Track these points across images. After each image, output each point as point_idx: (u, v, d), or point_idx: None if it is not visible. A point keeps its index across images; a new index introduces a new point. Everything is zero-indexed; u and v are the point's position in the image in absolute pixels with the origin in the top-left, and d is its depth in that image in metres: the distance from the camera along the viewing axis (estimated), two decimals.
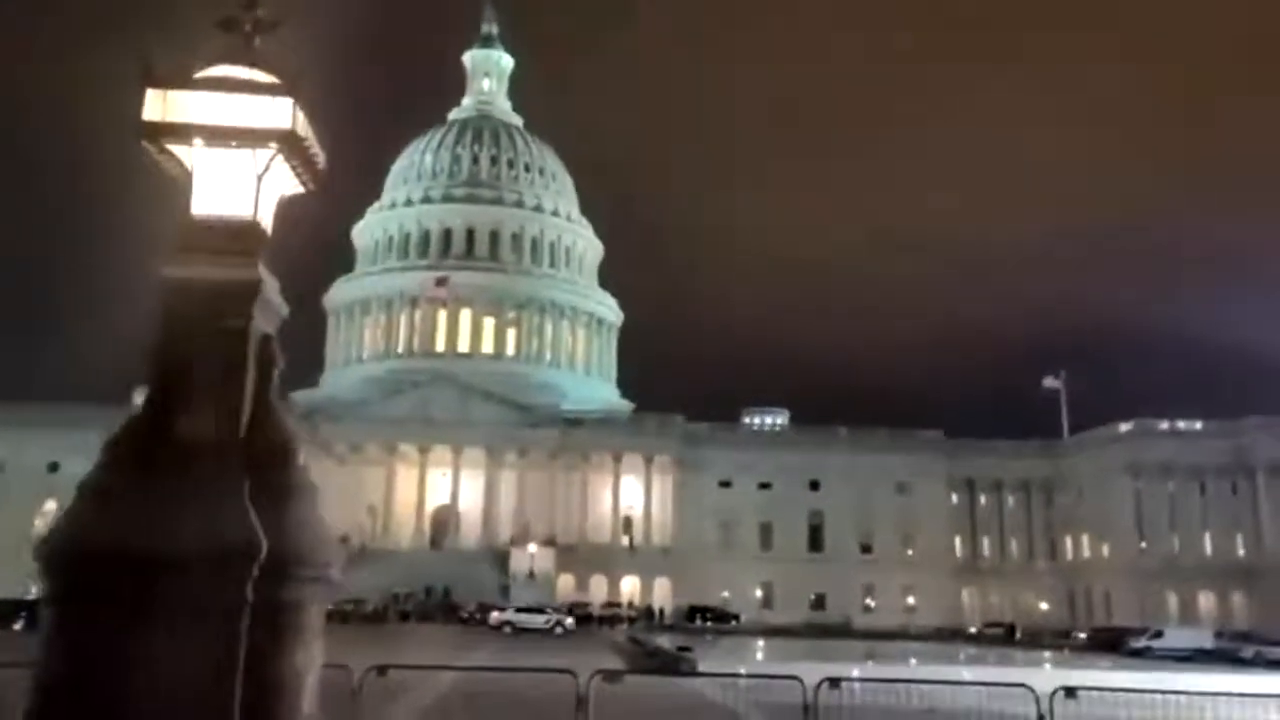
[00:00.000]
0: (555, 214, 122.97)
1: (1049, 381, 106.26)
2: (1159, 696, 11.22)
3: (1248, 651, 54.17)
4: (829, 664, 30.14)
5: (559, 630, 60.16)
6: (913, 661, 34.77)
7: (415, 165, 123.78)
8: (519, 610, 67.25)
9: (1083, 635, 73.90)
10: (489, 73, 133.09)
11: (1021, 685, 10.87)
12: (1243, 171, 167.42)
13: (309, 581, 6.55)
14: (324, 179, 7.75)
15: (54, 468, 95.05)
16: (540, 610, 67.81)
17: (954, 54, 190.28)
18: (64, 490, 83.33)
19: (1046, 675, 29.95)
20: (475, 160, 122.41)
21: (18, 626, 56.29)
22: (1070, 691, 10.74)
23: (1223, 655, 53.27)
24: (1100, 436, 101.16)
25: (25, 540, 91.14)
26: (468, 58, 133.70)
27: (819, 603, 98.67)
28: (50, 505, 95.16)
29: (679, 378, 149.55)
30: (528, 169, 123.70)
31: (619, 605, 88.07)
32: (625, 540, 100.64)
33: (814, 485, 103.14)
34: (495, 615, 66.07)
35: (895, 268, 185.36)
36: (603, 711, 10.72)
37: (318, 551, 6.64)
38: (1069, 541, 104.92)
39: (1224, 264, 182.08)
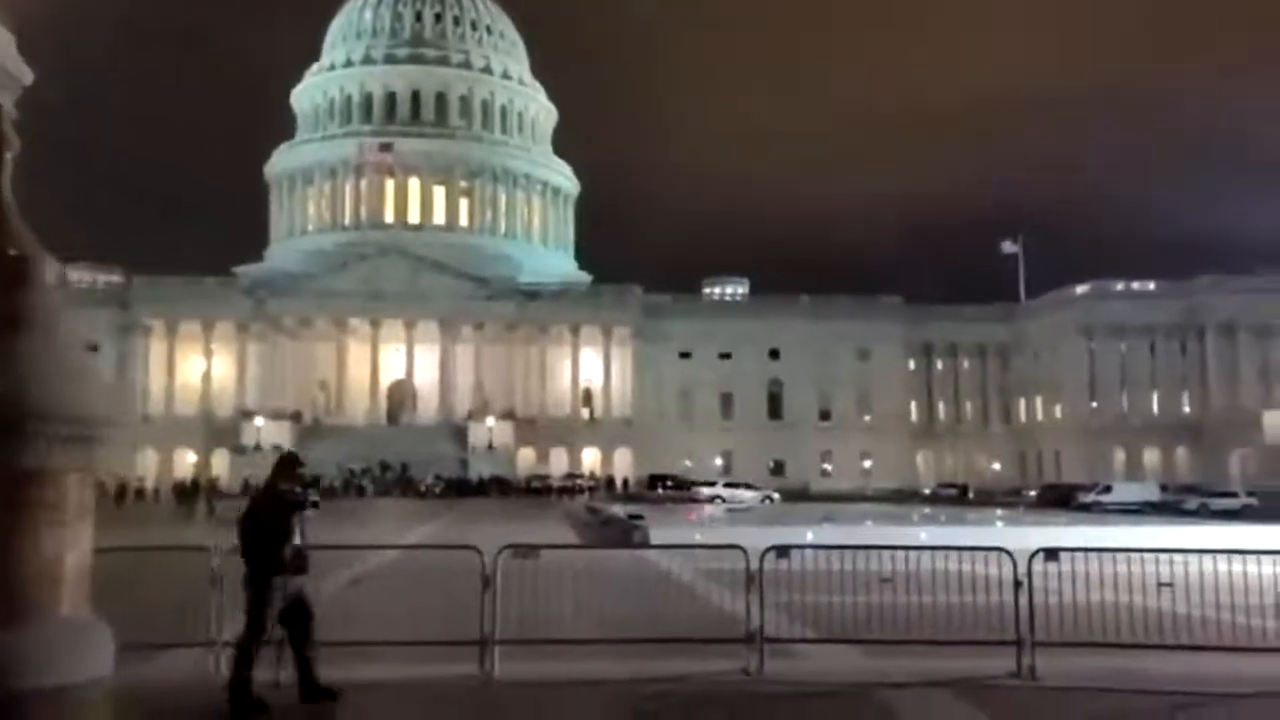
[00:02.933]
0: (506, 76, 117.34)
1: (1007, 246, 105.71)
2: (1133, 554, 10.05)
3: (1192, 503, 55.39)
4: (783, 528, 29.51)
5: (766, 504, 59.04)
6: (869, 523, 34.35)
7: (354, 22, 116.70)
8: (727, 485, 66.31)
9: (1033, 493, 75.30)
10: None
11: (999, 549, 9.59)
12: (1206, 46, 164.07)
13: (62, 443, 4.79)
14: None
15: None
16: (749, 486, 66.92)
17: None
18: None
19: (1000, 532, 29.59)
20: (418, 17, 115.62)
21: None
22: (1051, 554, 9.52)
23: (1168, 508, 54.36)
24: (1056, 299, 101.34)
25: None
26: None
27: (778, 469, 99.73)
28: None
29: (638, 249, 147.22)
30: (474, 27, 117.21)
31: (580, 476, 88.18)
32: (585, 412, 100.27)
33: (774, 354, 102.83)
34: (705, 491, 64.25)
35: (856, 137, 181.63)
36: (542, 581, 9.45)
37: (75, 403, 4.85)
38: (1023, 404, 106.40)
39: (1183, 134, 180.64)
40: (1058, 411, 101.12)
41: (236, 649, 7.99)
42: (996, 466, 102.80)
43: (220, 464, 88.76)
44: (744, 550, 9.43)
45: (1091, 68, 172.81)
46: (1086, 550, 10.24)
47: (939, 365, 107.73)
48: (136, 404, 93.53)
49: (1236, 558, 10.81)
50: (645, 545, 21.78)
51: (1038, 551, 9.64)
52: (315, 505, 8.71)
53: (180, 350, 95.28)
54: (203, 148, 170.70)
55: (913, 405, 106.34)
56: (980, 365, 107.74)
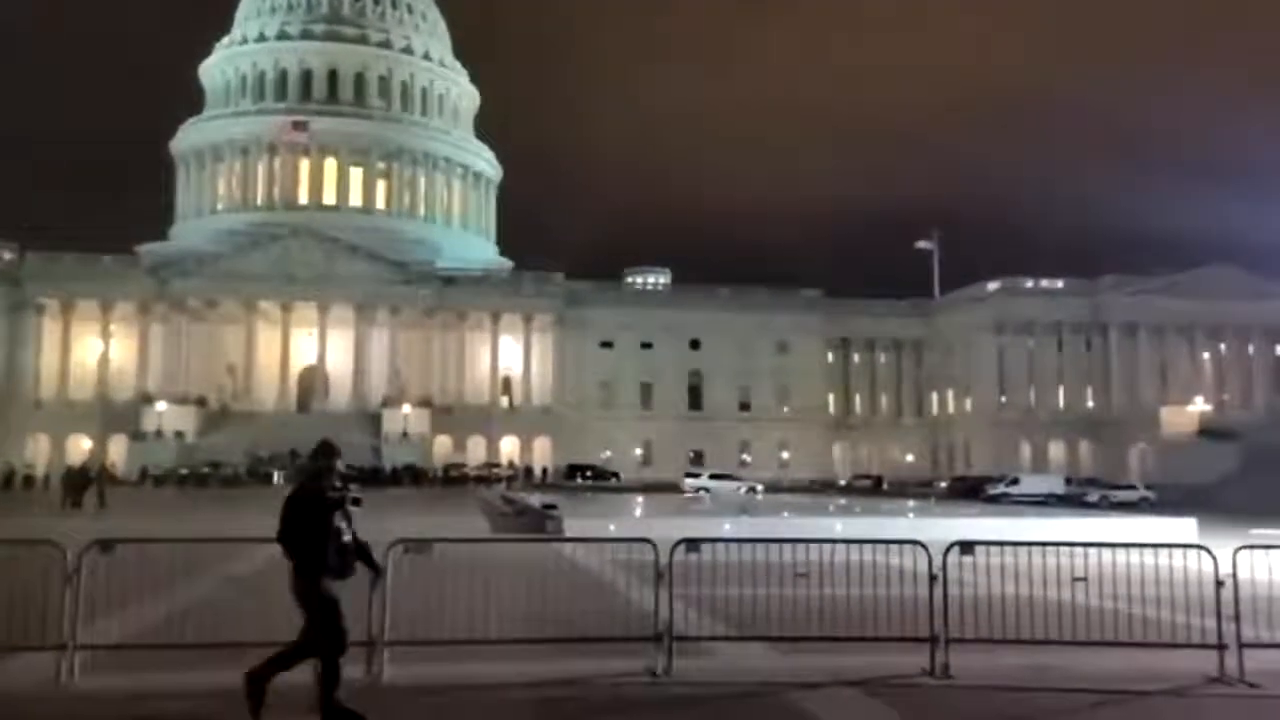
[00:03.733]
0: (427, 57, 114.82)
1: (922, 243, 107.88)
2: (1048, 548, 9.90)
3: (1094, 496, 57.34)
4: (699, 519, 29.25)
5: (750, 494, 56.39)
6: (785, 514, 34.33)
7: None
8: (713, 477, 64.23)
9: (944, 484, 77.05)
10: None
11: (913, 542, 9.30)
12: (1115, 45, 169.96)
13: None
14: None
15: None
16: (732, 478, 64.72)
17: None
18: None
19: (919, 525, 29.83)
20: None
21: None
22: (966, 547, 9.26)
23: (1072, 500, 56.14)
24: (968, 296, 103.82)
25: None
26: None
27: (698, 459, 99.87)
28: None
29: (561, 236, 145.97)
30: (395, 6, 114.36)
31: (498, 466, 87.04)
32: (504, 401, 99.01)
33: (694, 344, 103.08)
34: (689, 482, 62.26)
35: (782, 129, 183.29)
36: (440, 577, 8.78)
37: None
38: (935, 397, 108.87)
39: (1092, 135, 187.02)
40: (968, 405, 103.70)
41: (321, 668, 7.24)
42: (910, 458, 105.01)
43: (118, 451, 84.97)
44: (653, 544, 8.94)
45: (1012, 68, 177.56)
46: (1000, 544, 10.04)
47: (856, 358, 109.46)
48: (27, 387, 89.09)
49: (1138, 551, 10.85)
50: (547, 538, 21.17)
51: (953, 545, 9.41)
52: (357, 503, 7.96)
53: (76, 331, 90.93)
54: (107, 121, 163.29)
55: (830, 397, 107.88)
56: (896, 359, 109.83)
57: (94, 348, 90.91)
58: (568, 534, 25.81)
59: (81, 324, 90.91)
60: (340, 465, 7.66)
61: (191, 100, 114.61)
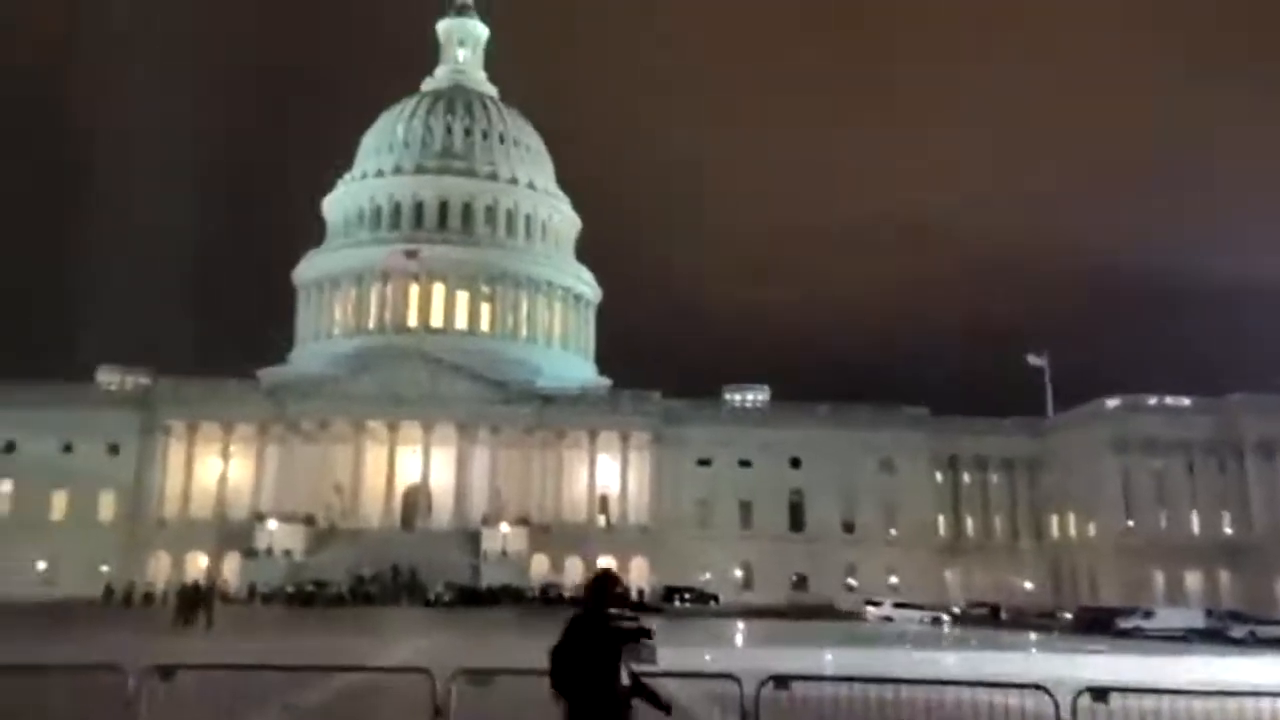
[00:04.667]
0: (530, 186, 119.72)
1: (1033, 359, 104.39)
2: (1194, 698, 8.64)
3: (1239, 631, 52.51)
4: (799, 650, 27.71)
5: (944, 628, 53.18)
6: (900, 646, 32.37)
7: (387, 136, 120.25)
8: (897, 605, 62.68)
9: (1068, 615, 72.10)
10: (463, 41, 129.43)
11: (1036, 687, 8.25)
12: (1239, 150, 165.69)
13: None
14: None
15: (9, 447, 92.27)
16: (918, 606, 62.88)
17: (936, 47, 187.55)
18: (21, 470, 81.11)
19: (1043, 663, 27.57)
20: (448, 131, 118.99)
21: None
22: (1099, 694, 8.16)
23: (1215, 635, 51.58)
24: (1085, 413, 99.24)
25: None
26: (441, 26, 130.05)
27: (801, 583, 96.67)
28: (6, 486, 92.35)
29: (658, 355, 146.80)
30: (502, 140, 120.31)
31: None
32: (601, 520, 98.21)
33: (795, 463, 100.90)
34: (871, 610, 60.82)
35: (877, 245, 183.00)
36: (513, 709, 8.12)
37: None
38: (1054, 520, 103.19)
39: (1213, 243, 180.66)
40: (1091, 529, 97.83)
41: None
42: (1029, 585, 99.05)
43: (231, 568, 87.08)
44: (738, 680, 8.15)
45: (1119, 177, 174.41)
46: (1140, 690, 8.84)
47: (966, 478, 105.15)
48: (153, 506, 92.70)
49: None
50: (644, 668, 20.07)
51: (1083, 691, 8.31)
52: (649, 635, 7.19)
53: (199, 452, 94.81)
54: (236, 253, 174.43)
55: (940, 519, 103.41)
56: (1009, 479, 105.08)
57: (214, 468, 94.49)
58: (661, 663, 24.72)
59: (204, 445, 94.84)
60: (627, 593, 6.97)
61: (316, 232, 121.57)
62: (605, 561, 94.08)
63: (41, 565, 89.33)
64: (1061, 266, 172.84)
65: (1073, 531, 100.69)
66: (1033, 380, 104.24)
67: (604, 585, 6.77)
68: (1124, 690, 8.60)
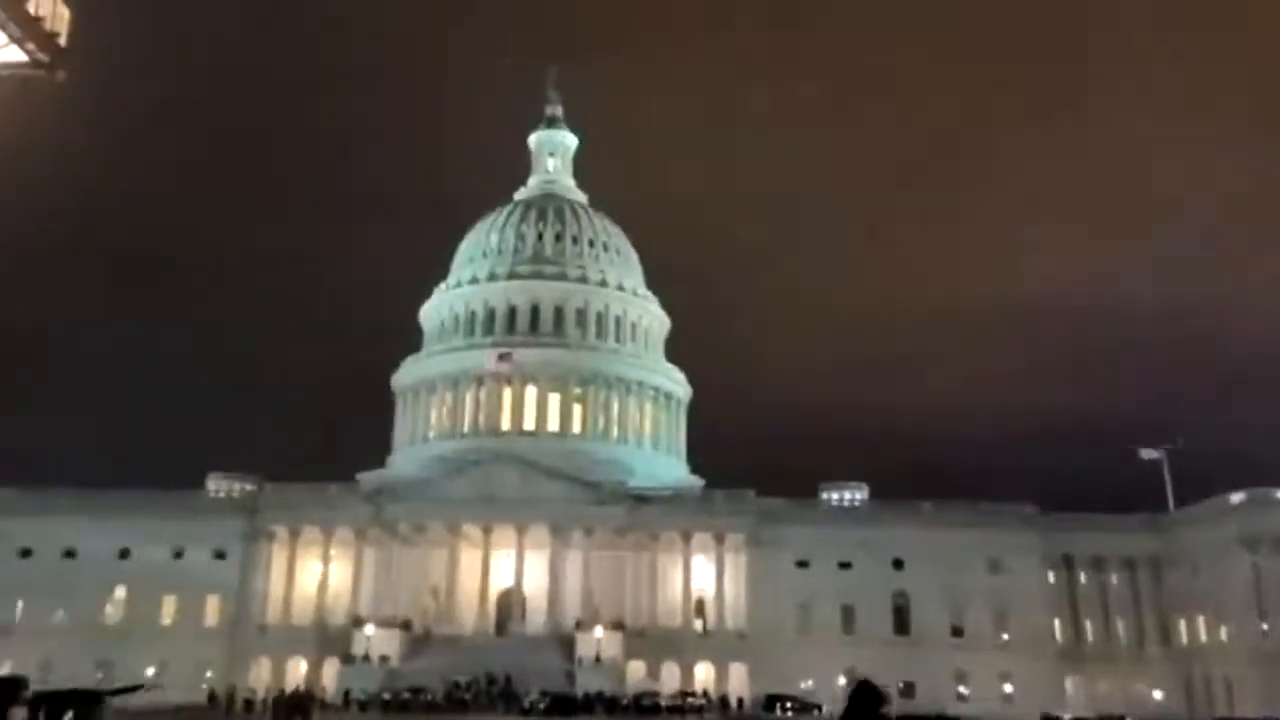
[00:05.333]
0: (620, 288, 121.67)
1: (1147, 452, 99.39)
2: None
3: None
4: None
5: None
6: None
7: (481, 244, 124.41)
8: None
9: None
10: (553, 152, 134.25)
11: None
12: None
13: None
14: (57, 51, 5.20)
15: (124, 554, 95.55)
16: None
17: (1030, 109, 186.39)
18: (134, 577, 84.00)
19: None
20: (540, 237, 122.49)
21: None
22: None
23: None
24: (1210, 508, 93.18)
25: (93, 628, 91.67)
26: (533, 139, 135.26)
27: (908, 690, 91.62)
28: (120, 592, 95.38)
29: (752, 453, 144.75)
30: (592, 244, 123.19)
31: (692, 694, 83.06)
32: (698, 624, 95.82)
33: (898, 564, 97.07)
34: None
35: (971, 338, 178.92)
36: None
37: None
38: (1182, 624, 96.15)
39: None
40: (1223, 633, 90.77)
41: None
42: (1158, 695, 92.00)
43: (330, 674, 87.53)
44: None
45: (1225, 259, 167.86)
46: None
47: (1082, 579, 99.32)
48: (255, 612, 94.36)
49: None
50: None
51: None
52: None
53: (300, 556, 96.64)
54: (339, 363, 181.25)
55: (1055, 622, 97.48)
56: (1130, 580, 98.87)
57: (315, 572, 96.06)
58: None
59: (305, 549, 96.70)
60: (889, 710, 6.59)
61: (414, 340, 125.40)
62: (703, 668, 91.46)
63: (150, 670, 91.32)
64: (1181, 355, 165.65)
65: (1204, 636, 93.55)
66: (1148, 475, 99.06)
67: (864, 699, 6.26)
68: None
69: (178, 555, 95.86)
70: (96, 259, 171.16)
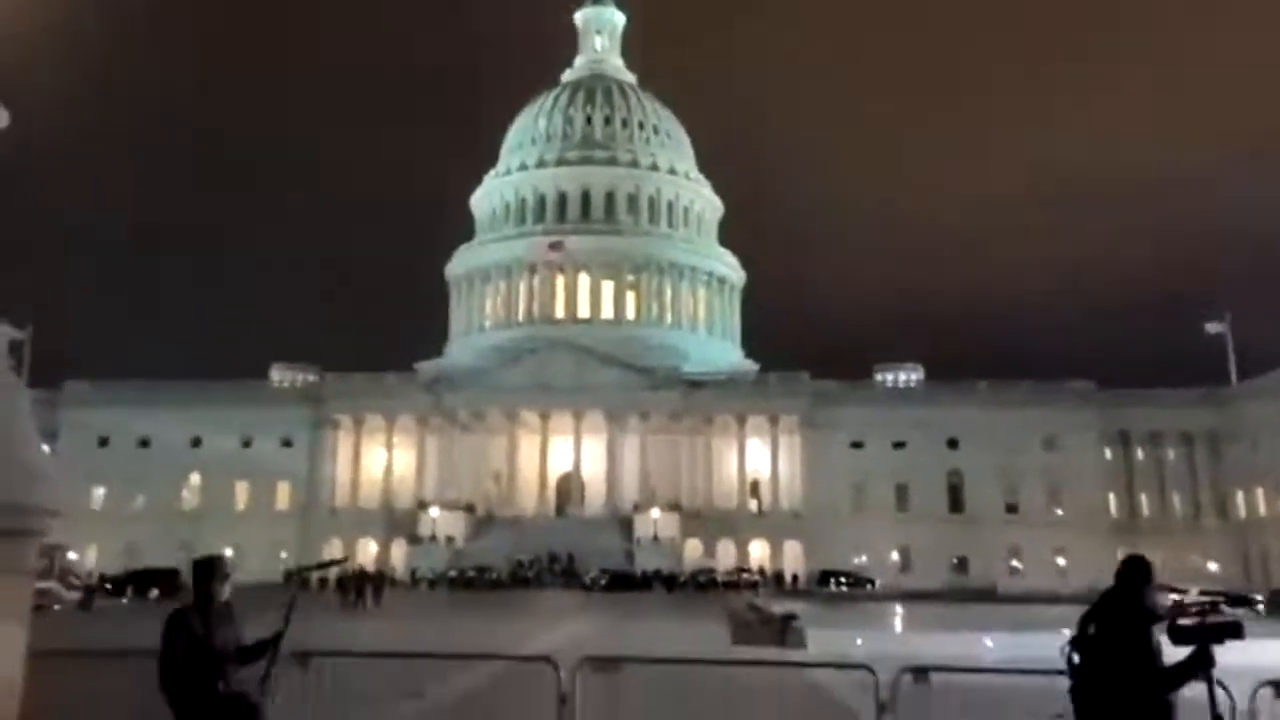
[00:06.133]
0: (672, 172, 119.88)
1: (1212, 326, 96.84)
2: None
3: None
4: (954, 636, 26.63)
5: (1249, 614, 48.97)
6: (1065, 632, 30.65)
7: (529, 130, 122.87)
8: (1204, 594, 54.90)
9: (1259, 597, 66.63)
10: (600, 31, 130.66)
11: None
12: None
13: None
14: None
15: (196, 443, 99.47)
16: (1223, 594, 54.78)
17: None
18: (207, 464, 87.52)
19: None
20: (589, 121, 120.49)
21: (154, 595, 58.18)
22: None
23: None
24: (1274, 381, 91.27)
25: (171, 513, 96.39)
26: (579, 16, 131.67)
27: (961, 566, 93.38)
28: (195, 479, 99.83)
29: (806, 336, 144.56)
30: (642, 127, 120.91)
31: (747, 570, 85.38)
32: (753, 504, 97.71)
33: (952, 443, 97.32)
34: (1173, 597, 53.62)
35: (1030, 210, 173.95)
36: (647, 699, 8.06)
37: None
38: (1240, 496, 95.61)
39: None
40: None
41: None
42: (1213, 567, 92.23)
43: (398, 554, 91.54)
44: (873, 672, 7.80)
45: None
46: None
47: (1139, 454, 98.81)
48: (325, 496, 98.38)
49: None
50: (749, 661, 19.62)
51: (1265, 684, 7.52)
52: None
53: (365, 443, 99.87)
54: (394, 251, 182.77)
55: (1110, 498, 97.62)
56: (1187, 454, 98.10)
57: (379, 458, 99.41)
58: (810, 647, 24.32)
59: (369, 436, 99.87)
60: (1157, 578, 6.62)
61: (468, 228, 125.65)
62: (758, 546, 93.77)
63: (229, 552, 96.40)
64: (1233, 227, 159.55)
65: (1262, 509, 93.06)
66: (1209, 350, 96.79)
67: (1135, 570, 6.55)
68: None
69: (246, 444, 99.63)
70: (169, 151, 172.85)
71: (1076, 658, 6.21)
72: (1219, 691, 7.47)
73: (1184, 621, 6.01)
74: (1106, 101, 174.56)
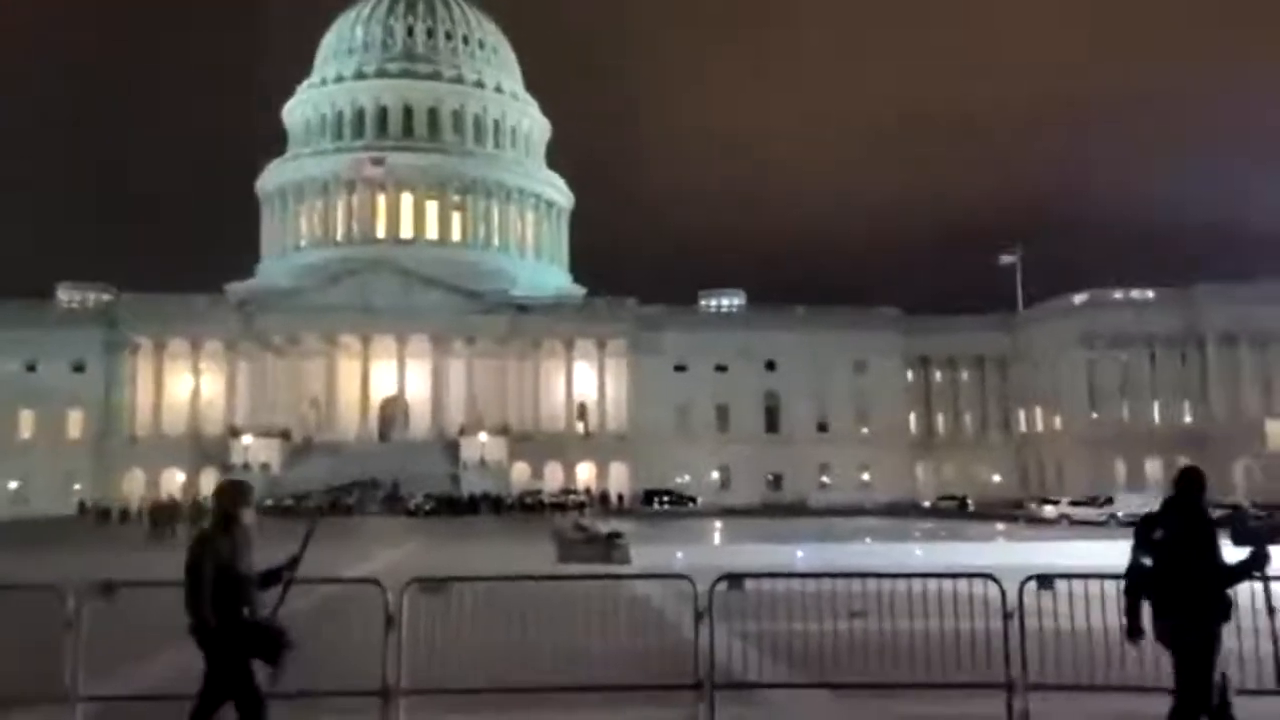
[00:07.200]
0: (498, 90, 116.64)
1: (1005, 257, 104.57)
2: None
3: None
4: (766, 547, 28.28)
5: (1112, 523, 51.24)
6: (867, 540, 33.21)
7: (346, 39, 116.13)
8: (1072, 504, 58.73)
9: (1033, 506, 74.00)
10: None
11: (987, 576, 8.41)
12: (1209, 40, 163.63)
13: None
14: None
15: None
16: (1091, 502, 58.44)
17: None
18: None
19: (1000, 549, 28.28)
20: (410, 32, 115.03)
21: None
22: (1045, 580, 8.33)
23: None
24: (1054, 308, 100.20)
25: None
26: None
27: (776, 483, 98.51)
28: None
29: (633, 262, 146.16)
30: (466, 41, 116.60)
31: (574, 492, 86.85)
32: (580, 426, 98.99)
33: (770, 366, 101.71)
34: (1049, 510, 58.26)
35: (851, 143, 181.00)
36: (473, 616, 8.17)
37: None
38: (1022, 414, 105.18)
39: (1178, 137, 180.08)
40: (1058, 422, 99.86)
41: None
42: (996, 478, 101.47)
43: (208, 484, 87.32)
44: (691, 580, 8.24)
45: (1088, 70, 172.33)
46: (1085, 576, 9.00)
47: (937, 376, 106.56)
48: (124, 424, 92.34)
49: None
50: (575, 575, 20.41)
51: (1029, 579, 8.47)
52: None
53: (168, 369, 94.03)
54: (197, 164, 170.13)
55: (911, 417, 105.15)
56: (979, 376, 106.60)
57: (185, 384, 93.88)
58: (635, 562, 25.20)
59: (173, 361, 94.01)
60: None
61: (272, 144, 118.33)
62: (585, 468, 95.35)
63: (13, 485, 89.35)
64: (1035, 165, 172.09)
65: (1040, 425, 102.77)
66: (1007, 280, 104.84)
67: (1190, 480, 6.89)
68: (1067, 576, 8.77)
69: (31, 368, 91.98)
70: None
71: (1148, 561, 6.68)
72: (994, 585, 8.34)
73: (1253, 524, 6.72)
74: (910, 40, 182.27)
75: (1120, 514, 53.02)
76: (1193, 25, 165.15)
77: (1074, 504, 59.48)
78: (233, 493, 6.94)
